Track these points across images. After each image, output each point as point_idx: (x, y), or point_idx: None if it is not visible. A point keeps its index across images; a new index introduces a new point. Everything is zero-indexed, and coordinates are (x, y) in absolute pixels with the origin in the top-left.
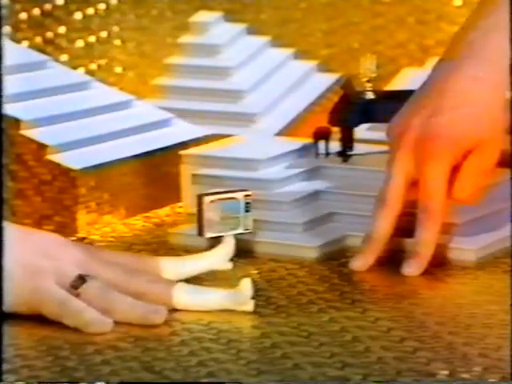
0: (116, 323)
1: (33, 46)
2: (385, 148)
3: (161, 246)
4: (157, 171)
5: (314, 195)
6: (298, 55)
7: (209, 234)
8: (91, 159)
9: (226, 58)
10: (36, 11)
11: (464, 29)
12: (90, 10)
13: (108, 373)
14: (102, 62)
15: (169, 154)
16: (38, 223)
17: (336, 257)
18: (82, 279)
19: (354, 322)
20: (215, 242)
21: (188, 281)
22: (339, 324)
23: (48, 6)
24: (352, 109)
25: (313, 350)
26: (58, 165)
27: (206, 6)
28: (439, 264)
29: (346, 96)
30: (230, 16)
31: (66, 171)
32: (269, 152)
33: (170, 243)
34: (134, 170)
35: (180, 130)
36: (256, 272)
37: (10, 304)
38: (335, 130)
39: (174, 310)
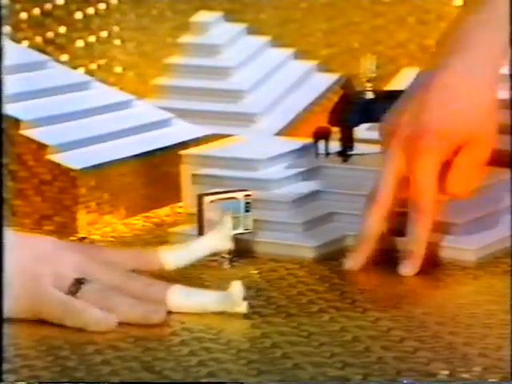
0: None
1: (33, 46)
2: None
3: (161, 245)
4: (157, 171)
5: (314, 195)
6: (298, 55)
7: None
8: (91, 159)
9: (226, 58)
10: (36, 11)
11: (453, 24)
12: (91, 10)
13: (108, 373)
14: (102, 61)
15: (169, 154)
16: (38, 223)
17: (336, 257)
18: (79, 283)
19: (354, 321)
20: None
21: (189, 281)
22: (339, 324)
23: (48, 6)
24: (352, 109)
25: (313, 350)
26: (58, 165)
27: (206, 6)
28: (436, 264)
29: (346, 96)
30: (230, 16)
31: (66, 171)
32: (269, 152)
33: (170, 243)
34: (134, 169)
35: (180, 130)
36: (256, 272)
37: (10, 310)
38: (335, 129)
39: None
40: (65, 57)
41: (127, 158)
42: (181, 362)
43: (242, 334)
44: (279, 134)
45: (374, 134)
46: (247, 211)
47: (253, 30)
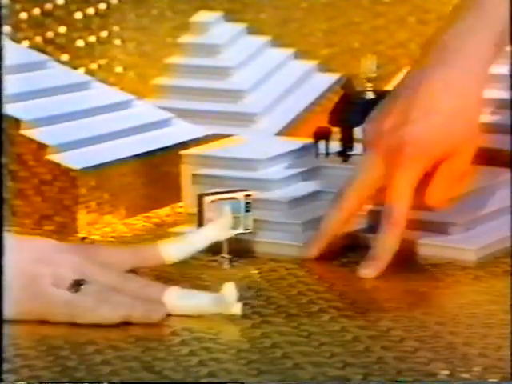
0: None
1: (33, 46)
2: None
3: None
4: (157, 171)
5: (314, 195)
6: (299, 55)
7: None
8: (91, 159)
9: (226, 58)
10: (36, 11)
11: (439, 31)
12: (91, 10)
13: (108, 373)
14: (103, 61)
15: (169, 154)
16: (38, 223)
17: (336, 256)
18: (78, 284)
19: (354, 321)
20: (215, 241)
21: (189, 281)
22: (339, 324)
23: (48, 6)
24: (352, 109)
25: (313, 350)
26: (59, 165)
27: (206, 6)
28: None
29: (347, 96)
30: (230, 16)
31: (66, 171)
32: (269, 152)
33: None
34: (134, 169)
35: (180, 130)
36: (256, 272)
37: (12, 313)
38: (335, 130)
39: None
40: (65, 57)
41: (127, 157)
42: (181, 361)
43: (242, 334)
44: (279, 134)
45: None
46: (247, 211)
47: (253, 30)
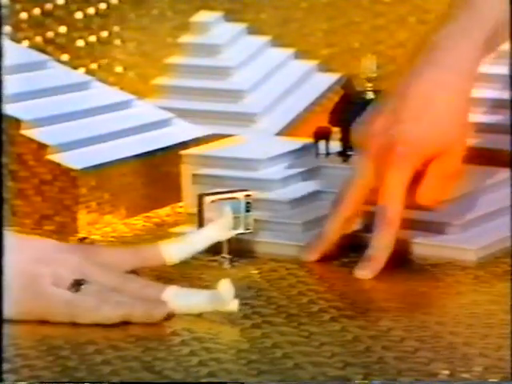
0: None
1: (33, 46)
2: None
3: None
4: (157, 171)
5: (315, 195)
6: (299, 55)
7: None
8: (92, 159)
9: (226, 58)
10: (36, 11)
11: (430, 31)
12: (91, 10)
13: (108, 373)
14: (103, 61)
15: (169, 154)
16: (39, 223)
17: (336, 256)
18: (79, 284)
19: (354, 321)
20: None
21: (189, 281)
22: (340, 324)
23: (48, 6)
24: (352, 109)
25: (313, 350)
26: (59, 165)
27: (207, 6)
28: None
29: (347, 96)
30: (231, 16)
31: (66, 171)
32: (269, 152)
33: None
34: (134, 169)
35: (180, 130)
36: (256, 272)
37: (12, 313)
38: (335, 129)
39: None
40: (65, 57)
41: (128, 157)
42: (181, 361)
43: (242, 334)
44: (279, 133)
45: None
46: (248, 211)
47: (253, 30)
